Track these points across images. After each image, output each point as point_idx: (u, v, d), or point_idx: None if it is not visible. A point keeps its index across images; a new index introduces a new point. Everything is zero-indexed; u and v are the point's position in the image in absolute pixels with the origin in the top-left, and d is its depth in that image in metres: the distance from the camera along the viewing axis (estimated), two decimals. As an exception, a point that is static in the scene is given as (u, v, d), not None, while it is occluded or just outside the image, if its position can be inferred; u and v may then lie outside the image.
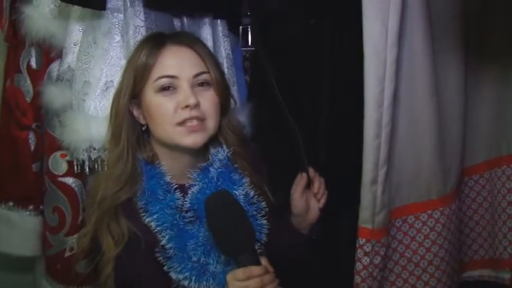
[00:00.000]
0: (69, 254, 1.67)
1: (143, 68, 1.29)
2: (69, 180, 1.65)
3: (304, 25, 1.74)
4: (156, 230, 1.27)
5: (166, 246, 1.26)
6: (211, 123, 1.31)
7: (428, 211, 1.45)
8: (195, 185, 1.34)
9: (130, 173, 1.30)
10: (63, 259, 1.67)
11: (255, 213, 1.34)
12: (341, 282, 1.47)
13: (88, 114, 1.52)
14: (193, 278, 1.25)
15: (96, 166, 1.55)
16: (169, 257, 1.26)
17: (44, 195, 1.68)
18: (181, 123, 1.27)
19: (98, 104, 1.53)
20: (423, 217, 1.45)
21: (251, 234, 1.18)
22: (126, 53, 1.52)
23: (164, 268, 1.26)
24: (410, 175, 1.43)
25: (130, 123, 1.33)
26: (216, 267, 1.27)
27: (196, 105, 1.27)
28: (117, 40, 1.55)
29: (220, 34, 1.80)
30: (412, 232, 1.45)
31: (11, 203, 1.72)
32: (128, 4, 1.54)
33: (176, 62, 1.30)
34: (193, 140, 1.28)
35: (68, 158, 1.62)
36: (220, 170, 1.35)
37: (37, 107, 1.65)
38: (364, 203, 1.34)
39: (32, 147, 1.69)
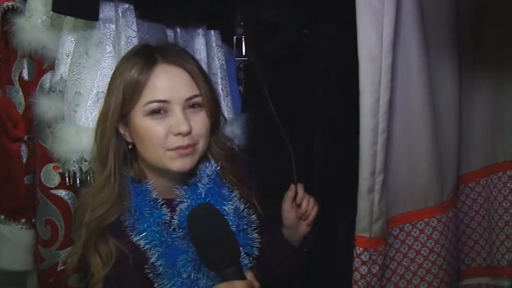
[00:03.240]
0: (61, 268, 1.64)
1: (133, 88, 1.23)
2: (62, 193, 1.63)
3: (298, 35, 1.74)
4: (144, 248, 1.25)
5: (156, 264, 1.24)
6: (201, 145, 1.29)
7: (426, 219, 1.44)
8: (184, 201, 1.31)
9: (118, 193, 1.26)
10: (55, 273, 1.64)
11: (246, 227, 1.32)
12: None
13: (79, 126, 1.51)
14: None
15: (87, 178, 1.53)
16: (159, 273, 1.24)
17: (36, 208, 1.66)
18: (173, 149, 1.25)
19: (89, 115, 1.51)
20: (420, 225, 1.44)
21: (235, 247, 1.14)
22: (113, 62, 1.52)
23: (154, 285, 1.24)
24: (407, 183, 1.43)
25: (117, 142, 1.29)
26: (206, 282, 1.24)
27: (189, 133, 1.24)
28: (108, 51, 1.54)
29: (214, 44, 1.80)
30: (409, 240, 1.44)
31: (2, 217, 1.70)
32: (120, 15, 1.53)
33: (168, 85, 1.24)
34: (183, 164, 1.26)
35: (60, 170, 1.60)
36: (208, 185, 1.32)
37: (29, 118, 1.63)
38: (361, 212, 1.33)
39: (24, 160, 1.67)
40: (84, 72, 1.53)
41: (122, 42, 1.51)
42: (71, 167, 1.51)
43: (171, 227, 1.29)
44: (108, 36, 1.54)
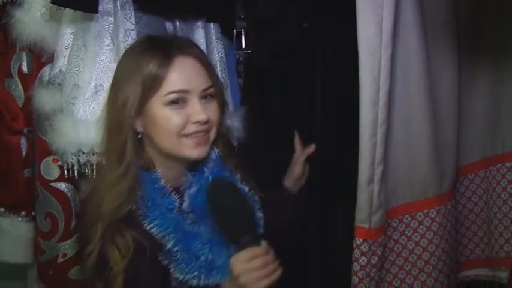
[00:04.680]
0: (61, 260, 1.65)
1: (152, 81, 1.26)
2: (62, 186, 1.63)
3: (297, 29, 1.74)
4: (159, 236, 1.26)
5: (173, 250, 1.26)
6: (213, 134, 1.34)
7: (425, 210, 1.45)
8: (192, 186, 1.34)
9: (132, 184, 1.28)
10: (55, 265, 1.65)
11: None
12: (338, 282, 1.46)
13: (77, 118, 1.50)
14: (202, 276, 1.26)
15: (85, 170, 1.52)
16: (176, 259, 1.26)
17: (36, 201, 1.66)
18: (188, 135, 1.28)
19: (87, 107, 1.51)
20: (419, 216, 1.45)
21: (251, 215, 1.25)
22: (116, 57, 1.51)
23: (170, 271, 1.26)
24: (406, 174, 1.43)
25: (134, 133, 1.31)
26: (222, 261, 1.27)
27: (207, 121, 1.29)
28: (106, 44, 1.53)
29: (214, 37, 1.79)
30: (408, 232, 1.45)
31: (2, 209, 1.71)
32: (119, 7, 1.52)
33: (187, 76, 1.28)
34: (198, 153, 1.30)
35: (60, 163, 1.61)
36: (214, 169, 1.36)
37: (28, 111, 1.63)
38: (360, 203, 1.33)
39: (24, 153, 1.68)
40: (82, 64, 1.52)
41: (120, 35, 1.51)
42: (69, 159, 1.51)
43: (182, 213, 1.32)
44: (107, 29, 1.53)
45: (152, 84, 1.26)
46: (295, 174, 1.56)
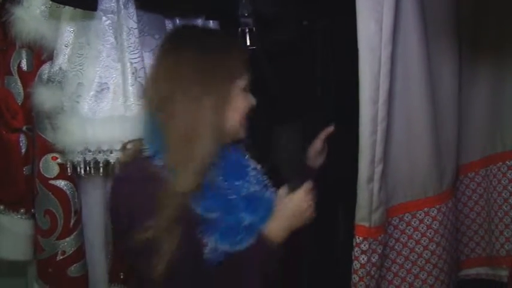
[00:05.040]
0: (61, 257, 1.65)
1: (233, 76, 1.30)
2: (61, 183, 1.63)
3: (297, 27, 1.74)
4: (204, 209, 1.28)
5: (213, 219, 1.27)
6: None
7: (425, 209, 1.45)
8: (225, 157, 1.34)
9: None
10: (55, 263, 1.65)
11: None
12: (338, 281, 1.46)
13: (82, 116, 1.51)
14: (241, 241, 1.28)
15: (89, 169, 1.53)
16: (215, 228, 1.27)
17: (35, 199, 1.66)
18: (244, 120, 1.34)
19: (92, 105, 1.52)
20: (420, 215, 1.45)
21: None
22: (119, 55, 1.52)
23: (205, 239, 1.27)
24: (407, 173, 1.43)
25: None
26: (251, 221, 1.30)
27: None
28: (110, 42, 1.54)
29: (213, 36, 1.80)
30: (409, 230, 1.45)
31: (1, 207, 1.70)
32: (122, 6, 1.53)
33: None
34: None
35: (59, 160, 1.60)
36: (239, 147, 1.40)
37: (28, 109, 1.63)
38: (360, 201, 1.33)
39: (23, 150, 1.67)
40: (86, 63, 1.53)
41: (124, 33, 1.52)
42: (75, 157, 1.51)
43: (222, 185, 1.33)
44: (110, 27, 1.54)
45: (237, 74, 1.31)
46: (316, 148, 1.58)
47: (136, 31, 1.53)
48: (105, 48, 1.54)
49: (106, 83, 1.52)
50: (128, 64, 1.53)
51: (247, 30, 1.64)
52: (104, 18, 1.54)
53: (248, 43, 1.67)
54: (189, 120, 1.27)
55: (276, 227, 1.28)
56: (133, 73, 1.53)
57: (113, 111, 1.54)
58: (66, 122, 1.50)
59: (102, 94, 1.52)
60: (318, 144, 1.60)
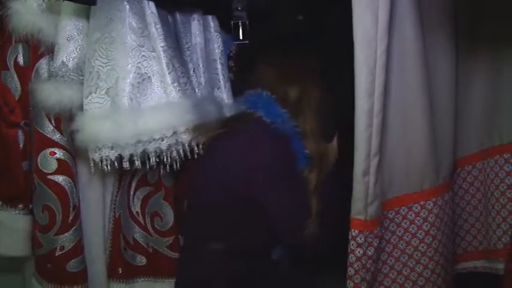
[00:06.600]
0: (59, 253, 1.66)
1: None
2: (59, 178, 1.64)
3: (292, 21, 1.73)
4: None
5: None
6: None
7: (421, 202, 1.44)
8: None
9: None
10: (53, 258, 1.66)
11: None
12: (334, 274, 1.46)
13: (129, 109, 1.49)
14: None
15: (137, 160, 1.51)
16: None
17: (33, 194, 1.66)
18: None
19: (135, 97, 1.51)
20: (416, 208, 1.44)
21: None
22: (153, 43, 1.53)
23: None
24: (403, 166, 1.42)
25: None
26: None
27: None
28: (140, 32, 1.53)
29: (213, 30, 1.80)
30: (405, 223, 1.44)
31: (-1, 203, 1.70)
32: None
33: None
34: None
35: (57, 156, 1.61)
36: None
37: (25, 104, 1.63)
38: (356, 194, 1.32)
39: (21, 145, 1.67)
40: (118, 56, 1.51)
41: (152, 23, 1.53)
42: (126, 151, 1.49)
43: None
44: (137, 18, 1.52)
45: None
46: None
47: (158, 20, 1.54)
48: (137, 39, 1.52)
49: (146, 72, 1.52)
50: (161, 52, 1.53)
51: (240, 23, 1.65)
52: (128, 8, 1.51)
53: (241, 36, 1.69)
54: None
55: None
56: (169, 60, 1.54)
57: (157, 99, 1.53)
58: (112, 117, 1.48)
59: (143, 84, 1.52)
60: None
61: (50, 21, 1.56)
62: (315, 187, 1.42)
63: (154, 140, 1.49)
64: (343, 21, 1.33)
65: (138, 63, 1.51)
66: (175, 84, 1.54)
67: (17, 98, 1.65)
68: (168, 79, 1.53)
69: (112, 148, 1.49)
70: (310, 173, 1.44)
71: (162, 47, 1.53)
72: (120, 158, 1.50)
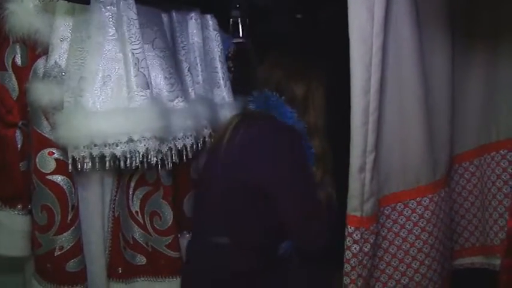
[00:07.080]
0: (59, 253, 1.65)
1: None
2: (58, 178, 1.63)
3: (290, 20, 1.74)
4: None
5: None
6: None
7: (418, 198, 1.45)
8: None
9: None
10: (53, 258, 1.65)
11: None
12: (330, 270, 1.46)
13: (87, 110, 1.49)
14: None
15: (94, 163, 1.51)
16: None
17: (32, 194, 1.66)
18: None
19: (96, 99, 1.50)
20: (412, 204, 1.45)
21: None
22: (121, 46, 1.51)
23: None
24: (399, 162, 1.43)
25: None
26: None
27: None
28: (111, 34, 1.52)
29: (211, 29, 1.80)
30: (401, 220, 1.44)
31: (-2, 203, 1.70)
32: None
33: None
34: None
35: (56, 155, 1.60)
36: None
37: (23, 104, 1.63)
38: (352, 191, 1.33)
39: (19, 146, 1.67)
40: (87, 56, 1.51)
41: (124, 25, 1.50)
42: (80, 152, 1.48)
43: None
44: (110, 19, 1.52)
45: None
46: None
47: (136, 22, 1.51)
48: (106, 40, 1.51)
49: (109, 75, 1.50)
50: (130, 55, 1.51)
51: (239, 21, 1.65)
52: (103, 10, 1.51)
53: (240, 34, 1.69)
54: None
55: None
56: (135, 64, 1.52)
57: (117, 103, 1.52)
58: (70, 116, 1.48)
59: (105, 87, 1.50)
60: None
61: (46, 21, 1.55)
62: (320, 183, 1.47)
63: (108, 144, 1.47)
64: (339, 18, 1.33)
65: (103, 65, 1.51)
66: (139, 90, 1.52)
67: (15, 99, 1.64)
68: (133, 83, 1.51)
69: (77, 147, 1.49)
70: (317, 170, 1.48)
71: (132, 50, 1.52)
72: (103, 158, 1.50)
